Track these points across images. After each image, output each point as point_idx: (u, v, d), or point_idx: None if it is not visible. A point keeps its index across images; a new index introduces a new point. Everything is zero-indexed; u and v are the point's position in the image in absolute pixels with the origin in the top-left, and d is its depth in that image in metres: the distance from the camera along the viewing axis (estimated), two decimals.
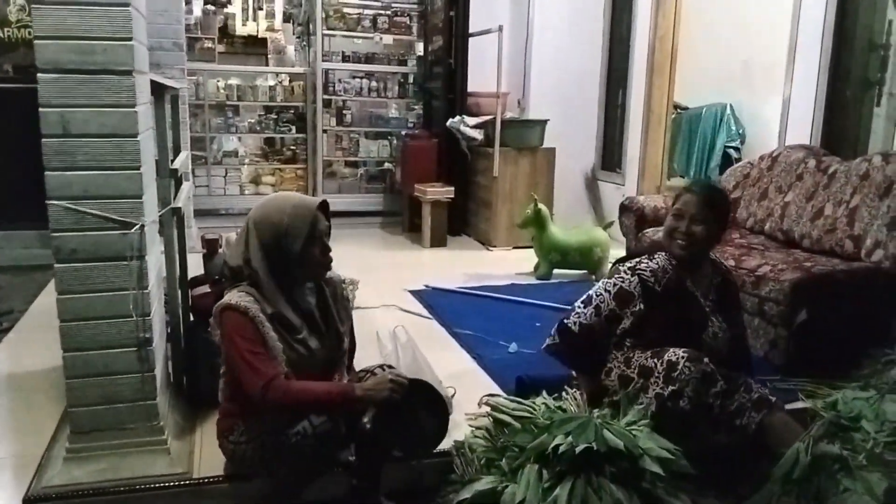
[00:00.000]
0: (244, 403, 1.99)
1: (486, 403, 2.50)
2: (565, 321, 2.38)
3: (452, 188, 5.69)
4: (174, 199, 2.67)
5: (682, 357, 2.15)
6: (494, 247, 5.65)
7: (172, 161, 2.77)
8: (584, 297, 2.40)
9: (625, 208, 4.06)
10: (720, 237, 2.39)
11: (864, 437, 2.24)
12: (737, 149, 6.89)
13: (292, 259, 1.99)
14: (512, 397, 2.54)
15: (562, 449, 1.96)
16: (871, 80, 4.02)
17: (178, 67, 5.07)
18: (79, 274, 2.08)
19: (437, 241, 5.67)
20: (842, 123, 4.09)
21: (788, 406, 2.64)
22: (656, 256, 2.35)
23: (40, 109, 1.97)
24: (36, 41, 1.95)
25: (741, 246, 3.60)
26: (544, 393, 2.49)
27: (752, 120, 5.47)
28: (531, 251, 4.95)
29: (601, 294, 2.34)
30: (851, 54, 4.05)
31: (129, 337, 2.15)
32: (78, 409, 2.14)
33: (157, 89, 2.56)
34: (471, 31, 5.90)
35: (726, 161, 8.02)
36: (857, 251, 3.24)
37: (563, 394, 2.45)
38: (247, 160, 6.64)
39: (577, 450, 1.93)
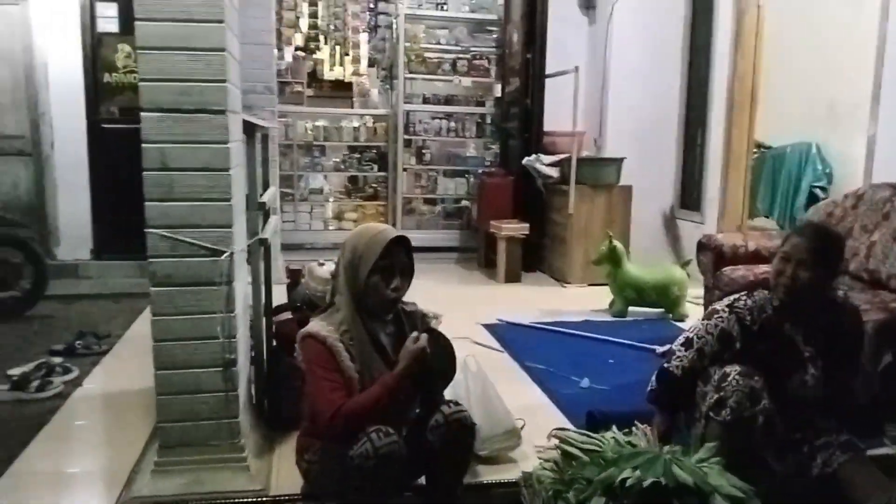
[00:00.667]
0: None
1: (555, 436, 2.51)
2: (666, 366, 2.37)
3: (527, 224, 5.74)
4: (261, 230, 2.84)
5: (735, 370, 2.16)
6: (569, 283, 5.64)
7: (261, 195, 2.95)
8: (682, 339, 2.38)
9: (702, 246, 4.00)
10: (830, 282, 2.30)
11: None
12: (824, 188, 6.66)
13: (358, 287, 2.08)
14: (581, 431, 2.53)
15: (629, 483, 1.95)
16: None
17: (269, 109, 5.38)
18: (172, 297, 2.24)
19: (512, 277, 5.71)
20: None
21: (872, 451, 2.55)
22: (756, 294, 2.31)
23: (143, 145, 2.17)
24: (141, 83, 2.15)
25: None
26: (614, 428, 2.48)
27: (839, 160, 5.34)
28: (607, 289, 4.92)
29: (703, 337, 2.31)
30: None
31: (216, 358, 2.30)
32: (166, 424, 2.28)
33: (249, 128, 2.75)
34: (547, 72, 6.00)
35: (812, 201, 7.76)
36: None
37: (634, 429, 2.43)
38: (331, 197, 6.90)
39: (645, 484, 1.92)
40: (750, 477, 2.04)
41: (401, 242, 2.13)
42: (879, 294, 3.30)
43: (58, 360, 3.62)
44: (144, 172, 2.18)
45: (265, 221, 3.07)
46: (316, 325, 2.06)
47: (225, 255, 2.24)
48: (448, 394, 2.35)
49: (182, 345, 2.27)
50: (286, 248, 6.04)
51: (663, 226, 6.21)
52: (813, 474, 2.24)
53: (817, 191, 6.75)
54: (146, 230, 2.20)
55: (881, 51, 4.04)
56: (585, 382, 3.35)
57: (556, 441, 2.49)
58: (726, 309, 2.29)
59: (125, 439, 2.72)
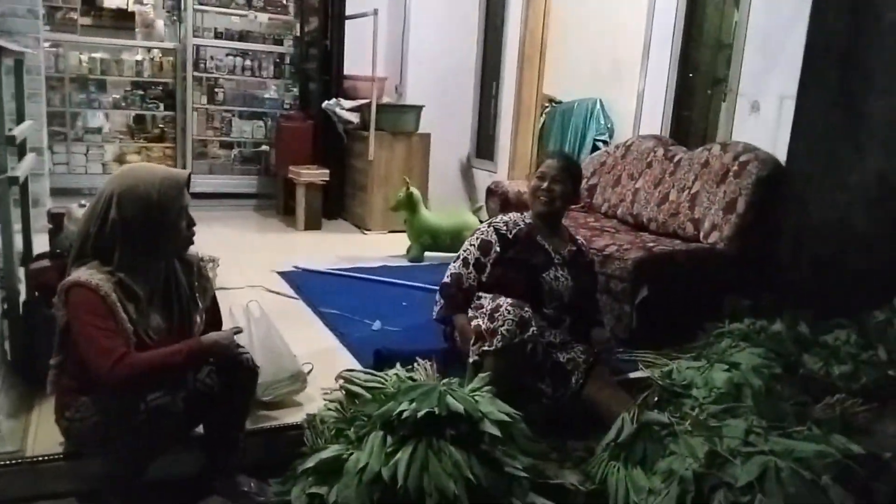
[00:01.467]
0: (86, 381, 1.92)
1: (341, 377, 2.53)
2: (442, 281, 2.73)
3: (327, 171, 5.65)
4: (10, 169, 2.52)
5: (507, 301, 2.42)
6: (369, 230, 5.67)
7: (11, 130, 2.62)
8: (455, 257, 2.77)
9: (491, 192, 4.19)
10: (574, 198, 2.85)
11: (693, 404, 2.44)
12: (605, 142, 7.21)
13: (160, 233, 1.93)
14: (367, 371, 2.57)
15: (405, 415, 2.01)
16: (717, 76, 4.33)
17: (33, 36, 4.75)
18: None
19: (312, 224, 5.62)
20: (690, 116, 4.39)
21: (631, 375, 2.86)
22: (509, 215, 2.79)
23: None
24: None
25: (594, 228, 3.80)
26: (398, 365, 2.54)
27: (618, 115, 5.71)
28: (405, 235, 5.00)
29: (467, 248, 2.72)
30: (700, 52, 4.35)
31: None
32: None
33: None
34: (347, 13, 5.87)
35: (595, 152, 8.46)
36: (696, 234, 3.49)
37: (415, 365, 2.51)
38: (112, 138, 6.31)
39: (420, 415, 1.99)
40: (521, 401, 2.20)
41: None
42: (641, 235, 3.66)
43: None
44: None
45: (20, 159, 2.74)
46: (83, 274, 1.87)
47: None
48: None
49: None
50: (58, 192, 5.45)
51: (460, 174, 6.41)
52: (570, 392, 2.52)
53: (599, 143, 7.31)
54: None
55: (651, 11, 4.39)
56: (377, 325, 3.40)
57: (342, 382, 2.52)
58: (486, 226, 2.75)
59: None
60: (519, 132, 5.68)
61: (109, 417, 1.91)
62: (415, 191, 4.70)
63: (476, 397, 2.16)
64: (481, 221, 4.85)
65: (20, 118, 3.09)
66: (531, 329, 2.41)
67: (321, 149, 5.92)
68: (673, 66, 4.27)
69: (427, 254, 4.84)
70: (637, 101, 4.53)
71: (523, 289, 2.59)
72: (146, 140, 6.37)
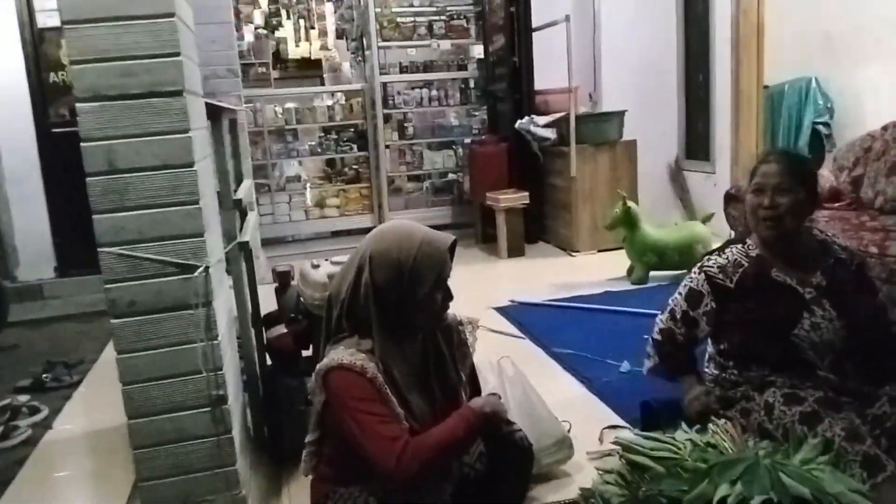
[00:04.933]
0: (346, 470, 1.68)
1: (614, 442, 2.12)
2: (653, 335, 2.29)
3: (526, 193, 5.31)
4: (240, 232, 2.41)
5: (778, 399, 1.93)
6: (577, 252, 5.25)
7: (235, 191, 2.52)
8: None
9: (732, 198, 3.61)
10: (813, 208, 2.07)
11: None
12: (826, 124, 6.34)
13: (411, 306, 1.67)
14: (643, 433, 2.15)
15: (731, 501, 1.58)
16: None
17: (235, 94, 4.88)
18: (140, 329, 1.82)
19: (515, 251, 5.30)
20: None
21: None
22: (727, 251, 2.13)
23: (82, 144, 1.72)
24: (71, 66, 1.69)
25: (877, 230, 3.12)
26: (683, 425, 2.10)
27: (839, 93, 5.00)
28: (620, 254, 4.55)
29: (675, 297, 2.22)
30: None
31: (201, 396, 1.88)
32: (148, 482, 1.86)
33: (214, 113, 2.31)
34: (534, 25, 5.53)
35: (815, 139, 7.44)
36: None
37: (711, 426, 2.06)
38: (309, 184, 6.43)
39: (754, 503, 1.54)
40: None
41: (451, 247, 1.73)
42: None
43: (24, 398, 3.18)
44: (88, 178, 1.74)
45: (243, 221, 2.64)
46: (343, 355, 1.62)
47: (199, 270, 1.81)
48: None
49: (158, 385, 1.85)
50: (266, 243, 5.60)
51: (669, 179, 5.81)
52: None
53: (820, 127, 6.41)
54: (99, 249, 1.77)
55: None
56: (626, 366, 2.97)
57: (612, 446, 2.12)
58: (696, 269, 2.17)
59: (106, 492, 2.31)
60: (740, 125, 5.01)
61: None
62: (633, 205, 4.23)
63: (815, 472, 1.67)
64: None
65: (238, 178, 3.04)
66: (826, 420, 1.83)
67: (517, 171, 5.60)
68: None
69: (652, 273, 4.32)
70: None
71: (773, 355, 2.03)
72: (342, 182, 6.41)
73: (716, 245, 4.17)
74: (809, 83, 5.16)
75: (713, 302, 2.10)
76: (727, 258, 2.11)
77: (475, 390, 1.98)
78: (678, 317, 2.19)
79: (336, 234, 6.33)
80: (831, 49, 4.93)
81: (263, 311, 2.78)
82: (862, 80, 4.15)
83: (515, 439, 1.75)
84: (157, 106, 1.74)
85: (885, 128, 3.60)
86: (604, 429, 2.45)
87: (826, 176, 3.81)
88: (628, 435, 2.14)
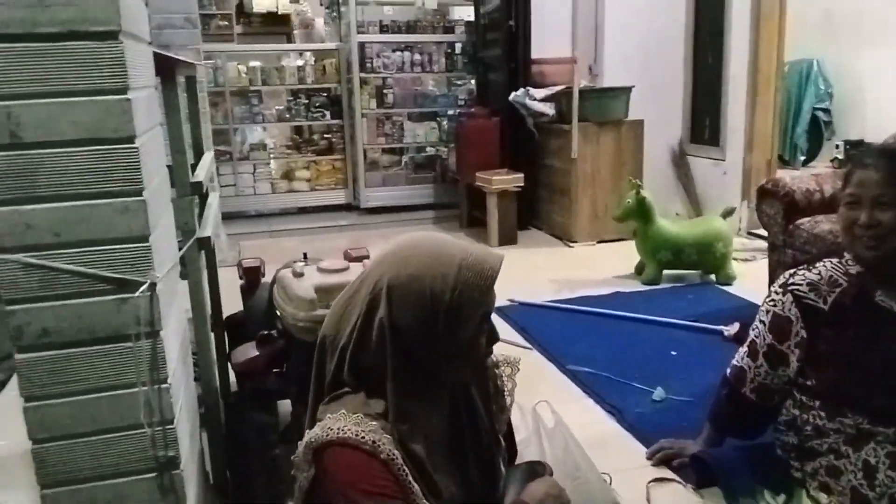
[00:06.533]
0: None
1: None
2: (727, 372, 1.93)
3: (521, 175, 4.80)
4: (199, 224, 1.86)
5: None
6: (575, 242, 4.78)
7: (193, 170, 1.98)
8: None
9: (767, 193, 3.15)
10: None
11: None
12: (826, 110, 6.01)
13: (444, 355, 1.17)
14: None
15: None
16: None
17: (193, 48, 4.21)
18: (55, 367, 1.28)
19: (507, 239, 4.81)
20: None
21: None
22: (819, 265, 1.77)
23: None
24: None
25: None
26: (768, 497, 1.66)
27: (838, 79, 4.75)
28: (622, 246, 4.12)
29: (756, 326, 1.83)
30: None
31: (144, 458, 1.35)
32: None
33: (166, 69, 1.75)
34: None
35: (815, 126, 7.09)
36: None
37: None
38: (275, 153, 5.82)
39: None
40: None
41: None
42: None
43: None
44: None
45: (202, 207, 2.09)
46: (344, 424, 1.12)
47: (142, 288, 1.28)
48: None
49: (84, 444, 1.32)
50: (228, 217, 4.98)
51: (672, 165, 5.36)
52: None
53: (820, 114, 6.06)
54: None
55: None
56: (659, 393, 2.51)
57: None
58: (779, 289, 1.78)
59: None
60: (757, 107, 4.58)
61: None
62: (647, 195, 3.77)
63: None
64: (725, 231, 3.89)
65: (197, 151, 2.47)
66: None
67: (510, 149, 5.08)
68: None
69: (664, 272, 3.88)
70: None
71: (874, 400, 1.63)
72: (313, 153, 5.82)
73: (735, 242, 3.82)
74: (811, 66, 4.99)
75: (803, 329, 1.72)
76: (819, 273, 1.75)
77: (511, 454, 1.49)
78: (761, 351, 1.79)
79: (304, 210, 5.75)
80: (830, 27, 4.65)
81: (226, 310, 2.26)
82: (865, 62, 3.78)
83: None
84: (81, 52, 1.18)
85: None
86: (649, 482, 2.00)
87: None
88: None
